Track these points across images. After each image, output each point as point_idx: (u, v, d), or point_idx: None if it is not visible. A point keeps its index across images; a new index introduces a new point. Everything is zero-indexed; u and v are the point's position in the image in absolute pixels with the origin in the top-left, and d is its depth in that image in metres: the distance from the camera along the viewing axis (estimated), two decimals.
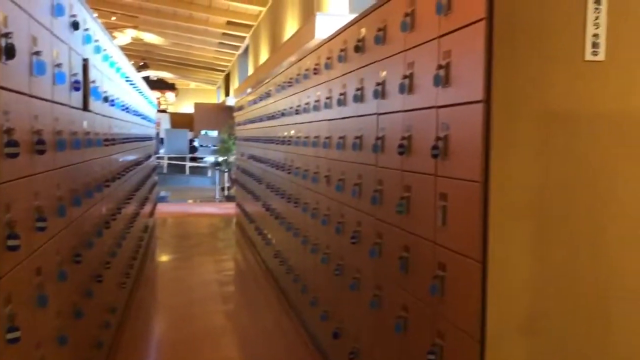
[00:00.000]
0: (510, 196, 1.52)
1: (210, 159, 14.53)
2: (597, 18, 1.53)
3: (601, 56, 1.54)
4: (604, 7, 1.53)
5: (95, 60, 2.83)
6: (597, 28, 1.54)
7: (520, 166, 1.52)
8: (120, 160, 3.91)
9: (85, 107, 2.57)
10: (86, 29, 2.59)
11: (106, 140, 3.11)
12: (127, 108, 4.21)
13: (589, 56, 1.54)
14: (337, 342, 2.91)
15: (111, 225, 3.22)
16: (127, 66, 4.51)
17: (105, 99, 3.10)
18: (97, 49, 2.83)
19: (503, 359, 1.54)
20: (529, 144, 1.52)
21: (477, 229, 1.54)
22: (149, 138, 6.69)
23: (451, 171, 1.71)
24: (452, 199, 1.71)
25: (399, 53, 2.11)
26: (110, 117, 3.37)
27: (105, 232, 3.02)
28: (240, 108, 7.92)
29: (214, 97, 30.86)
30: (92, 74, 2.71)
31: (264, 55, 13.89)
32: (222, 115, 18.36)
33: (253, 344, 3.76)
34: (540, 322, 1.55)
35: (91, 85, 2.64)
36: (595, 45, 1.54)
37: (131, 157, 4.63)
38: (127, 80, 4.29)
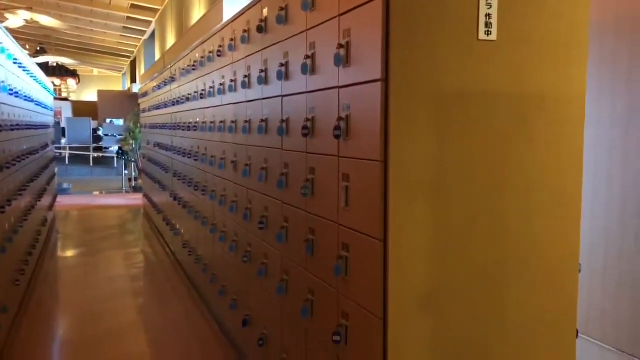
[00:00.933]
0: (409, 174, 1.53)
1: (115, 148, 13.92)
2: None
3: (494, 36, 1.58)
4: None
5: None
6: (489, 8, 1.57)
7: (418, 144, 1.53)
8: (9, 149, 3.61)
9: None
10: None
11: None
12: (16, 93, 3.89)
13: (482, 36, 1.57)
14: (247, 330, 2.86)
15: None
16: (16, 49, 4.17)
17: None
18: None
19: (406, 335, 1.55)
20: (426, 122, 1.53)
21: (378, 207, 1.54)
22: (45, 126, 6.26)
23: (353, 151, 1.70)
24: (355, 179, 1.70)
25: (300, 33, 2.07)
26: None
27: None
28: (145, 94, 7.60)
29: (120, 84, 29.56)
30: None
31: (170, 41, 13.42)
32: (128, 102, 17.62)
33: (162, 337, 3.63)
34: (440, 296, 1.58)
35: None
36: (488, 25, 1.57)
37: (23, 147, 4.31)
38: (15, 63, 3.97)
